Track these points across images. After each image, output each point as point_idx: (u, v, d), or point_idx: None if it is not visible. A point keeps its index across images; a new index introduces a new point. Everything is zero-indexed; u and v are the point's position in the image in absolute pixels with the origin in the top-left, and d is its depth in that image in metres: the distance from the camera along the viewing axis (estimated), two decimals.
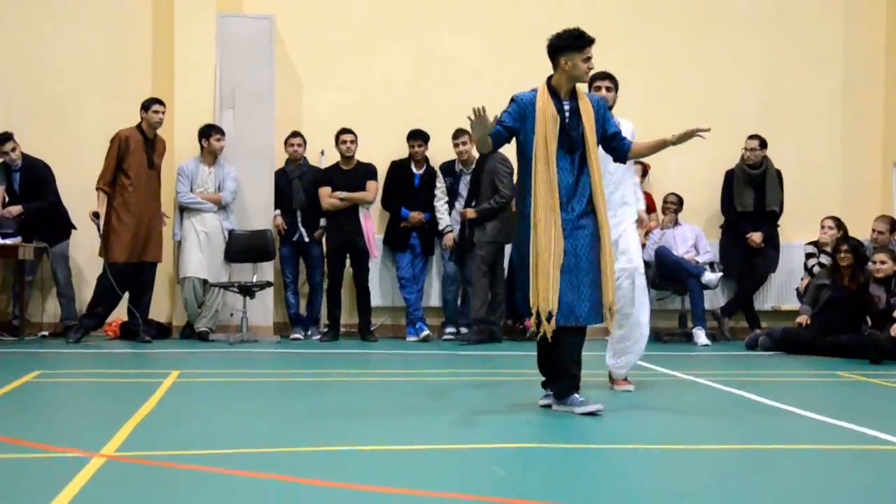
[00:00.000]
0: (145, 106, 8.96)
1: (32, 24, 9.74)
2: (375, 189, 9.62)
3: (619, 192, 6.04)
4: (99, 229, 8.83)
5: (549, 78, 5.40)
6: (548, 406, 5.43)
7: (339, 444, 4.43)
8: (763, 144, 10.03)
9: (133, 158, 8.84)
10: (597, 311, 5.27)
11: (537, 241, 5.19)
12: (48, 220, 9.26)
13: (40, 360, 7.62)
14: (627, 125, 6.04)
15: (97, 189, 8.88)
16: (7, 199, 9.19)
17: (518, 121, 5.33)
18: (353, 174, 9.58)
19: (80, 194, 9.28)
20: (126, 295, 9.00)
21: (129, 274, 8.93)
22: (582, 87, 5.52)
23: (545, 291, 5.15)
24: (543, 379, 5.55)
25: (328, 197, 9.50)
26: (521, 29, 9.88)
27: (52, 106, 9.74)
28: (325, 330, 9.54)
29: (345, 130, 9.55)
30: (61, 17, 9.78)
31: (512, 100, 5.40)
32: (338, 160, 9.65)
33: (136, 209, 8.89)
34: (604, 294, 5.27)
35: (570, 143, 5.29)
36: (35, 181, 9.21)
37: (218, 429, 4.84)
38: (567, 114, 5.33)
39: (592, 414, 5.20)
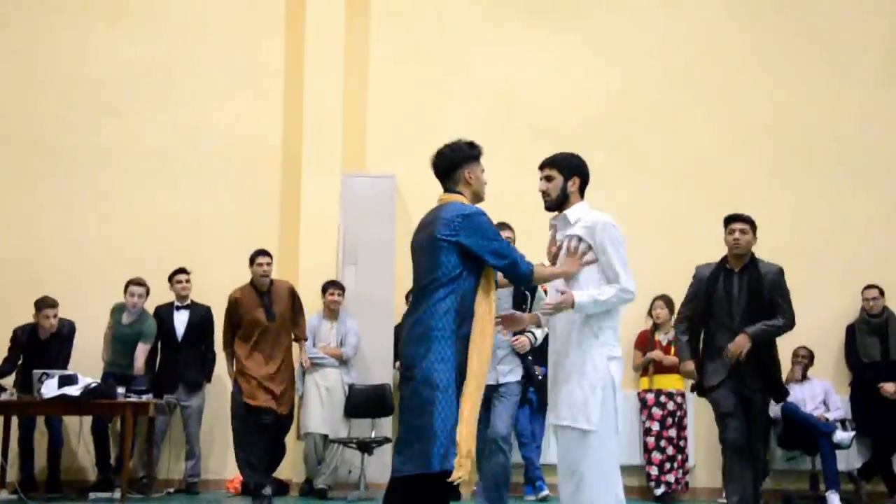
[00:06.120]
0: (250, 259, 8.97)
1: (167, 182, 10.28)
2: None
3: None
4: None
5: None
6: None
7: None
8: (881, 293, 9.76)
9: (247, 315, 8.76)
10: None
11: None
12: (185, 371, 9.56)
13: None
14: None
15: (224, 351, 8.98)
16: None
17: None
18: None
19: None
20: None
21: (257, 423, 8.64)
22: None
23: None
24: None
25: None
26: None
27: (183, 261, 9.86)
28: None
29: None
30: (193, 175, 10.30)
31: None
32: None
33: (258, 362, 8.66)
34: None
35: None
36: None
37: None
38: None
39: None
